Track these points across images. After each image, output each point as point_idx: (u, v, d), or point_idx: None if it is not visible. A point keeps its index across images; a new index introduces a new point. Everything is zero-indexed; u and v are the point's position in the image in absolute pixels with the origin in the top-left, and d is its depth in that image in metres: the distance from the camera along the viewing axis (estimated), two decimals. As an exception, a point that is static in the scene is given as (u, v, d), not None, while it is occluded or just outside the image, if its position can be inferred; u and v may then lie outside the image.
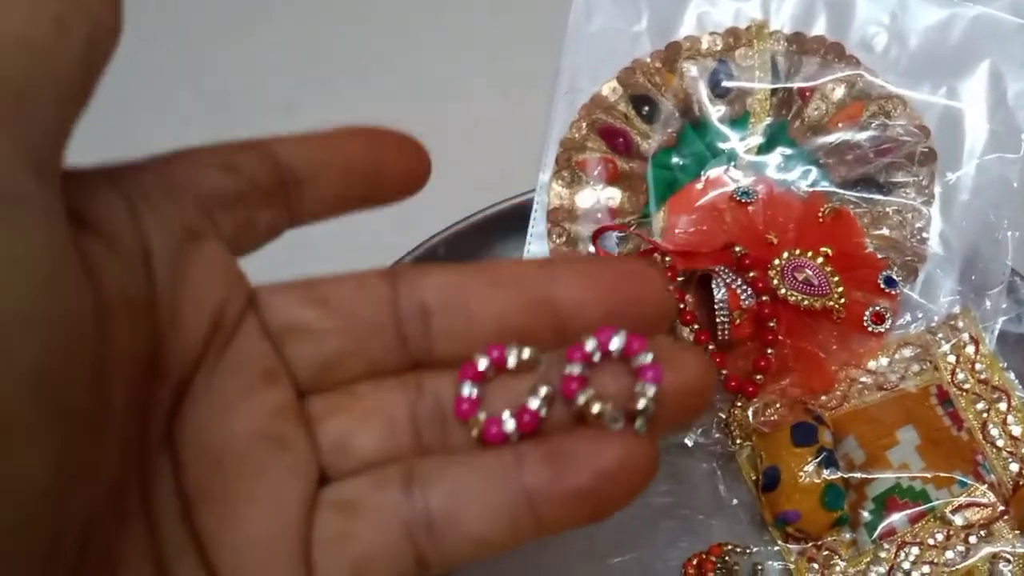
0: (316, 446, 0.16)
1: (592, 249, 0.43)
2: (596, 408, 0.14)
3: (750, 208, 0.40)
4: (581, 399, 0.14)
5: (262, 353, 0.16)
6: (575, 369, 0.14)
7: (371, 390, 0.16)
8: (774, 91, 0.43)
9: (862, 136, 0.41)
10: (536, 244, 0.45)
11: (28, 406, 0.12)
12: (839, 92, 0.42)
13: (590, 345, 0.14)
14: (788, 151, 0.42)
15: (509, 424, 0.14)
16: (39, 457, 0.12)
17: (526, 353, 0.14)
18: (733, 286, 0.36)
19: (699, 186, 0.42)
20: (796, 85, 0.42)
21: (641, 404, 0.14)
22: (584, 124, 0.45)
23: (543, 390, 0.14)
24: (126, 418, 0.14)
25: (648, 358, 0.14)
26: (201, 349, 0.15)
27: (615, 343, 0.14)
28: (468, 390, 0.15)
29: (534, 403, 0.14)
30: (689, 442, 0.38)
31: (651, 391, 0.14)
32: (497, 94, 0.53)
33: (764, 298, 0.36)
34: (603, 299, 0.15)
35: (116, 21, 0.14)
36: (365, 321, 0.16)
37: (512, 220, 0.45)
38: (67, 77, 0.13)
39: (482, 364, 0.15)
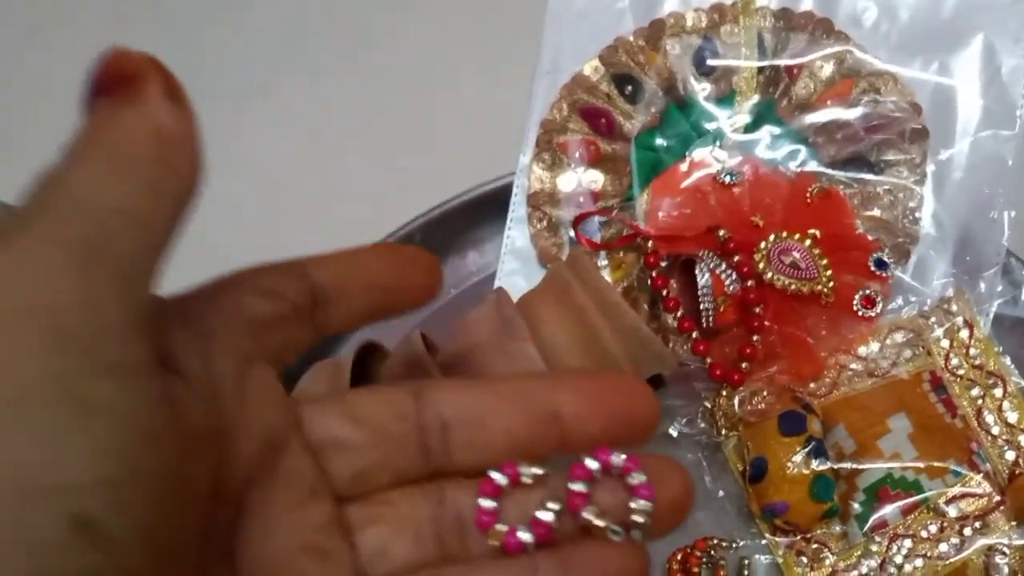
0: (356, 555, 0.17)
1: (572, 235, 0.42)
2: (599, 523, 0.16)
3: (736, 190, 0.38)
4: (585, 514, 0.16)
5: (306, 469, 0.17)
6: (579, 487, 0.16)
7: (400, 498, 0.18)
8: (761, 69, 0.41)
9: (852, 114, 0.39)
10: (516, 229, 0.43)
11: (138, 554, 0.13)
12: (828, 69, 0.40)
13: (592, 465, 0.16)
14: (776, 130, 0.40)
15: (526, 536, 0.16)
16: None
17: (537, 470, 0.17)
18: (717, 271, 0.35)
19: (683, 168, 0.40)
20: (783, 62, 0.41)
21: (640, 519, 0.16)
22: (565, 105, 0.44)
23: (553, 505, 0.16)
24: (196, 542, 0.15)
25: (642, 477, 0.16)
26: (257, 470, 0.17)
27: (614, 463, 0.16)
28: (488, 504, 0.17)
29: (547, 516, 0.16)
30: (674, 432, 0.36)
31: (647, 508, 0.16)
32: (478, 75, 0.52)
33: (750, 283, 0.34)
34: (601, 413, 0.18)
35: (199, 179, 0.16)
36: (393, 435, 0.18)
37: (492, 204, 0.43)
38: (161, 238, 0.15)
39: (500, 480, 0.17)
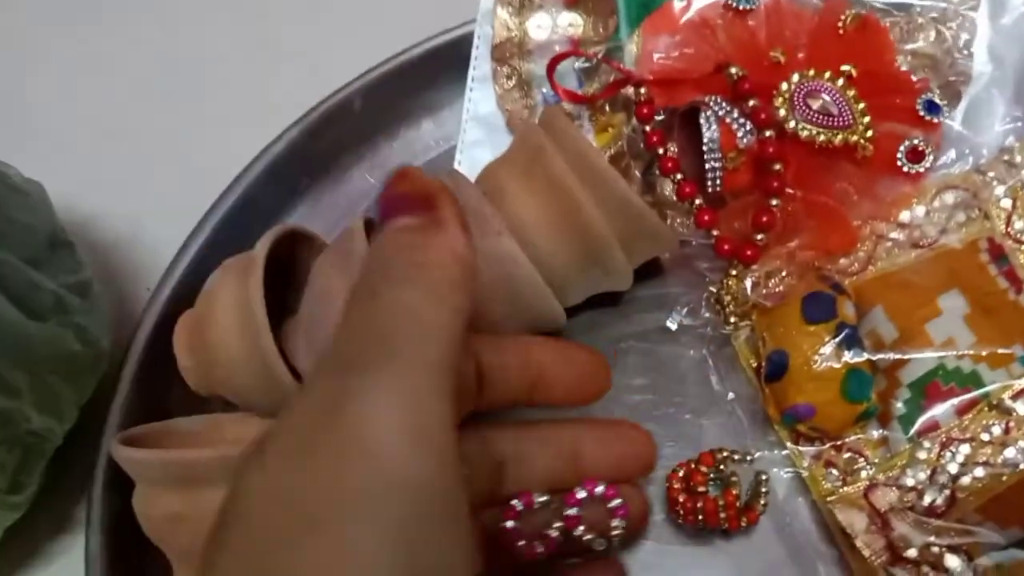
0: None
1: (547, 90, 0.34)
2: (588, 538, 0.22)
3: (750, 20, 0.30)
4: (578, 531, 0.21)
5: None
6: (572, 511, 0.21)
7: None
8: None
9: (894, -79, 0.31)
10: (479, 90, 0.36)
11: None
12: None
13: (581, 494, 0.21)
14: (797, -56, 0.32)
15: (540, 548, 0.21)
16: None
17: (544, 498, 0.21)
18: (727, 120, 0.28)
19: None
20: None
21: (616, 532, 0.22)
22: (533, -70, 0.35)
23: (557, 525, 0.21)
24: None
25: (618, 501, 0.22)
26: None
27: (598, 492, 0.22)
28: (511, 524, 0.21)
29: (553, 533, 0.21)
30: (672, 325, 0.30)
31: (623, 524, 0.22)
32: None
33: (768, 134, 0.27)
34: (612, 455, 0.23)
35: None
36: (477, 473, 0.21)
37: (448, 60, 0.36)
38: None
39: (519, 507, 0.21)
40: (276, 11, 0.41)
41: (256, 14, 0.41)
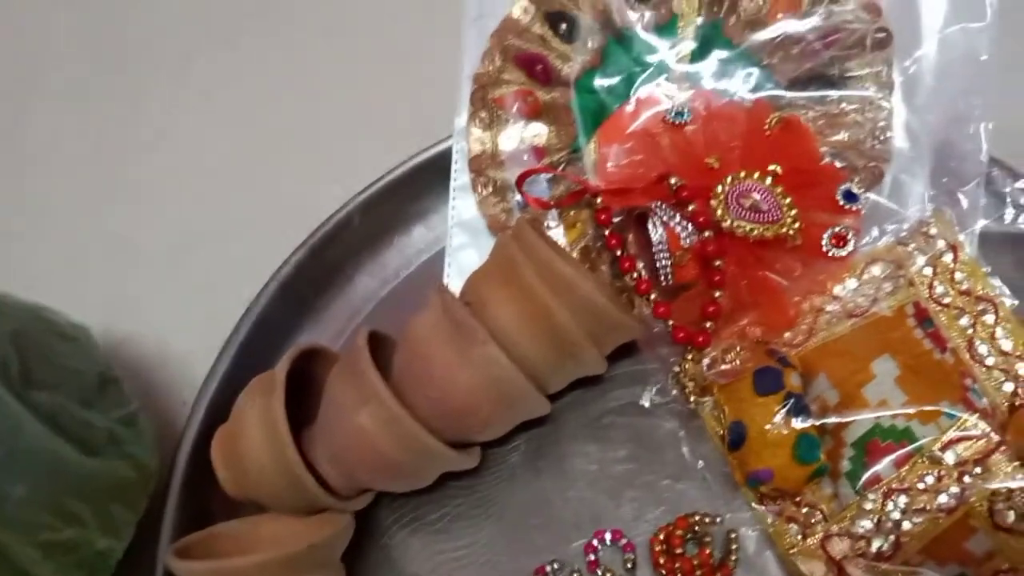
0: None
1: (519, 198, 0.38)
2: None
3: (688, 128, 0.35)
4: None
5: None
6: None
7: None
8: (702, -13, 0.37)
9: (806, 26, 0.35)
10: (461, 199, 0.40)
11: None
12: (776, -22, 0.36)
13: None
14: (725, 54, 0.37)
15: None
16: None
17: None
18: (671, 223, 0.32)
19: (630, 109, 0.37)
20: (726, -24, 0.37)
21: None
22: (497, 54, 0.40)
23: None
24: None
25: None
26: None
27: None
28: None
29: None
30: (646, 402, 0.34)
31: None
32: (401, 34, 0.47)
33: (707, 233, 0.31)
34: None
35: None
36: None
37: (432, 172, 0.40)
38: None
39: None
40: (278, 139, 0.46)
41: (259, 146, 0.46)
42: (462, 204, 0.40)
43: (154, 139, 0.47)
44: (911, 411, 0.30)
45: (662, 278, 0.32)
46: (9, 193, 0.46)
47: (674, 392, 0.33)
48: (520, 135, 0.39)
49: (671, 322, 0.32)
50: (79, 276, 0.43)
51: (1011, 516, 0.28)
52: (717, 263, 0.31)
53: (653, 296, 0.32)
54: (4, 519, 0.25)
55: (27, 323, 0.31)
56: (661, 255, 0.32)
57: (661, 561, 0.30)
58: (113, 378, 0.33)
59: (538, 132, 0.39)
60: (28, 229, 0.45)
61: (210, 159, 0.46)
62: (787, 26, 0.36)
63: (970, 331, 0.31)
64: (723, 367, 0.32)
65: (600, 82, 0.38)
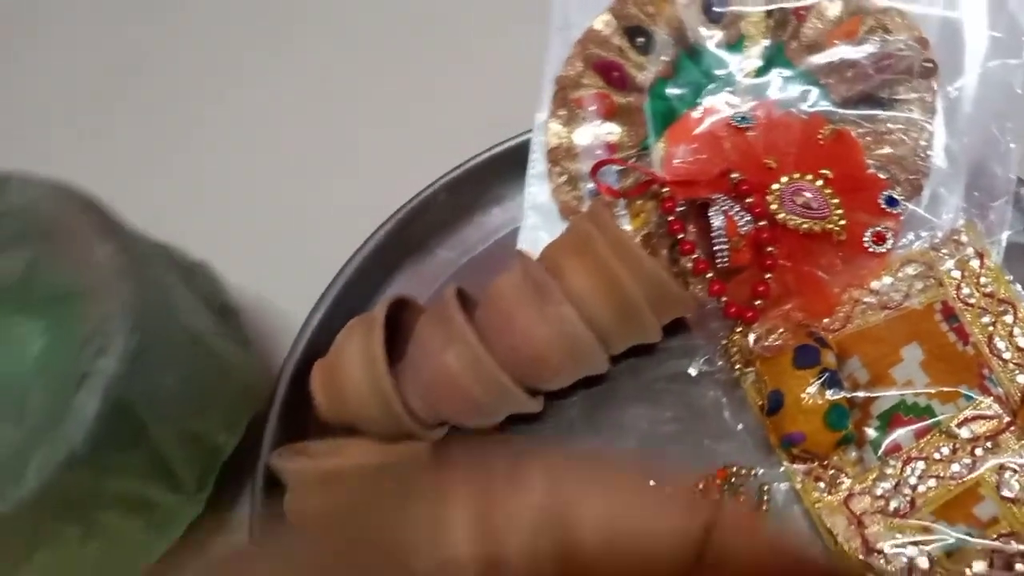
0: None
1: (591, 186, 0.43)
2: None
3: (749, 134, 0.39)
4: None
5: None
6: None
7: None
8: (769, 12, 0.42)
9: (861, 52, 0.40)
10: (536, 185, 0.45)
11: None
12: (835, 8, 0.41)
13: None
14: (786, 72, 0.41)
15: None
16: None
17: None
18: (731, 213, 0.36)
19: (697, 114, 0.41)
20: (791, 5, 0.41)
21: None
22: (579, 60, 0.45)
23: None
24: None
25: None
26: None
27: None
28: None
29: None
30: (693, 371, 0.38)
31: None
32: (492, 35, 0.53)
33: (762, 223, 0.36)
34: None
35: None
36: None
37: (512, 161, 0.45)
38: None
39: None
40: (380, 120, 0.51)
41: (360, 131, 0.51)
42: (537, 190, 0.45)
43: (268, 125, 0.52)
44: (933, 391, 0.34)
45: (718, 261, 0.36)
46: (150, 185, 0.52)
47: (720, 363, 0.37)
48: (595, 132, 0.44)
49: (724, 298, 0.36)
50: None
51: (1016, 486, 0.32)
52: (769, 249, 0.35)
53: (710, 275, 0.37)
54: (154, 405, 0.30)
55: (164, 252, 0.36)
56: (719, 240, 0.36)
57: (701, 505, 0.34)
58: (233, 308, 0.37)
59: (611, 131, 0.44)
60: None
61: (319, 144, 0.51)
62: (843, 52, 0.40)
63: (991, 328, 0.35)
64: (767, 343, 0.36)
65: (671, 90, 0.43)
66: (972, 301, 0.36)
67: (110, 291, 0.29)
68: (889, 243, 0.36)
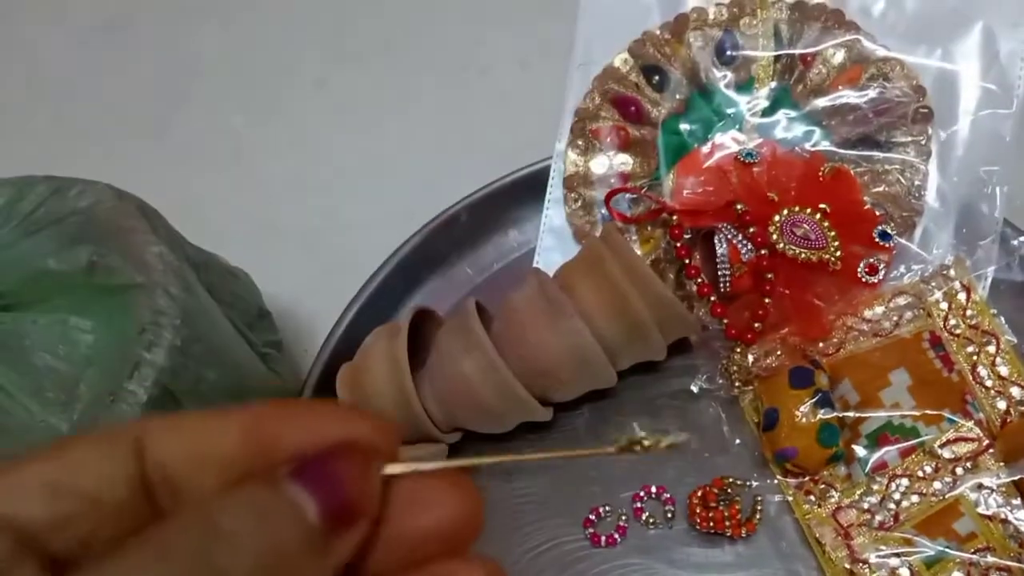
0: None
1: (605, 214, 0.46)
2: None
3: (754, 169, 0.42)
4: None
5: None
6: None
7: None
8: (777, 57, 0.45)
9: (862, 98, 0.43)
10: (553, 209, 0.48)
11: None
12: (839, 56, 0.44)
13: None
14: (791, 113, 0.44)
15: None
16: None
17: None
18: (734, 241, 0.39)
19: (706, 149, 0.44)
20: (798, 51, 0.44)
21: None
22: (597, 94, 0.48)
23: None
24: None
25: None
26: None
27: None
28: None
29: None
30: (695, 389, 0.40)
31: None
32: (517, 69, 0.56)
33: (763, 252, 0.38)
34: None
35: None
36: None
37: (530, 187, 0.48)
38: None
39: None
40: (404, 144, 0.54)
41: (390, 153, 0.55)
42: (554, 213, 0.48)
43: (304, 140, 0.56)
44: (918, 414, 0.36)
45: (721, 285, 0.39)
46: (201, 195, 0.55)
47: (720, 381, 0.40)
48: (610, 162, 0.47)
49: (725, 320, 0.39)
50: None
51: (993, 505, 0.34)
52: (769, 276, 0.38)
53: (712, 298, 0.39)
54: (196, 397, 0.32)
55: (206, 258, 0.39)
56: (723, 265, 0.39)
57: (697, 511, 0.36)
58: (267, 311, 0.40)
59: (625, 161, 0.47)
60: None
61: (351, 160, 0.54)
62: (846, 96, 0.43)
63: (975, 357, 0.38)
64: (765, 364, 0.38)
65: (683, 126, 0.46)
66: (958, 331, 0.38)
67: (161, 288, 0.32)
68: (881, 274, 0.39)
